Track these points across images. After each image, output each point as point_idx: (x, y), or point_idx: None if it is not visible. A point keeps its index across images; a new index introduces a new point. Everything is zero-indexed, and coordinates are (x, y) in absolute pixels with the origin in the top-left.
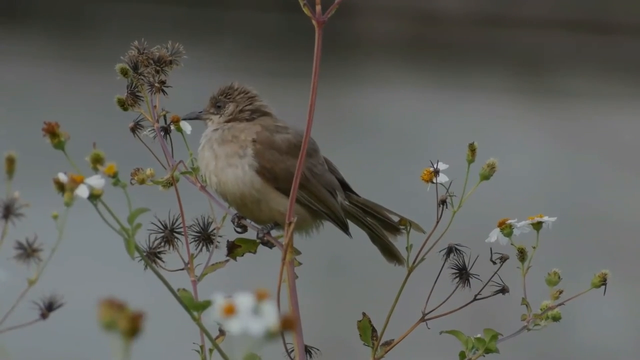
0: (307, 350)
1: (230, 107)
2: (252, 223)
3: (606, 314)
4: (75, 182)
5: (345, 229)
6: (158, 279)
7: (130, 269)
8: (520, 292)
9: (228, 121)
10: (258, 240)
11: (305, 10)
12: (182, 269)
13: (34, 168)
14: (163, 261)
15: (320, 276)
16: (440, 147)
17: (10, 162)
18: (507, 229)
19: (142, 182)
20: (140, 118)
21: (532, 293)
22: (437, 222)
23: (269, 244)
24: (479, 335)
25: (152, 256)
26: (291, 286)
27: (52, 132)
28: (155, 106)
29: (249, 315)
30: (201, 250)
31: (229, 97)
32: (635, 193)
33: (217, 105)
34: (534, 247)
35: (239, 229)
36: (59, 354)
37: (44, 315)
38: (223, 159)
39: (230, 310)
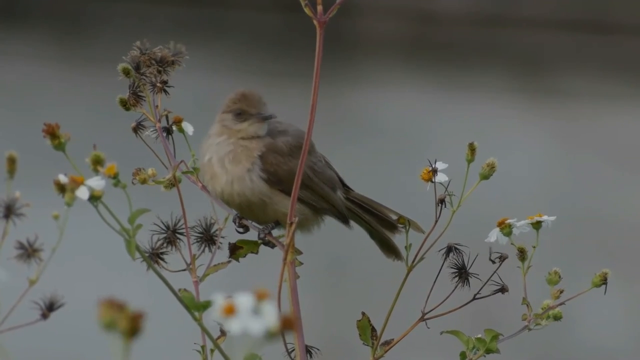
0: (307, 350)
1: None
2: (254, 223)
3: (606, 314)
4: (76, 183)
5: (345, 222)
6: (159, 279)
7: (131, 269)
8: (520, 292)
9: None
10: (259, 241)
11: (307, 11)
12: (184, 270)
13: (34, 168)
14: (166, 262)
15: (320, 276)
16: (440, 146)
17: (11, 161)
18: (506, 229)
19: (143, 181)
20: (143, 118)
21: (532, 293)
22: (436, 221)
23: (270, 244)
24: (479, 336)
25: (154, 257)
26: (292, 286)
27: (52, 133)
28: (157, 106)
29: (249, 315)
30: (204, 251)
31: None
32: (635, 193)
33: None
34: (533, 247)
35: (240, 229)
36: (59, 354)
37: (44, 315)
38: (235, 178)
39: (230, 311)
